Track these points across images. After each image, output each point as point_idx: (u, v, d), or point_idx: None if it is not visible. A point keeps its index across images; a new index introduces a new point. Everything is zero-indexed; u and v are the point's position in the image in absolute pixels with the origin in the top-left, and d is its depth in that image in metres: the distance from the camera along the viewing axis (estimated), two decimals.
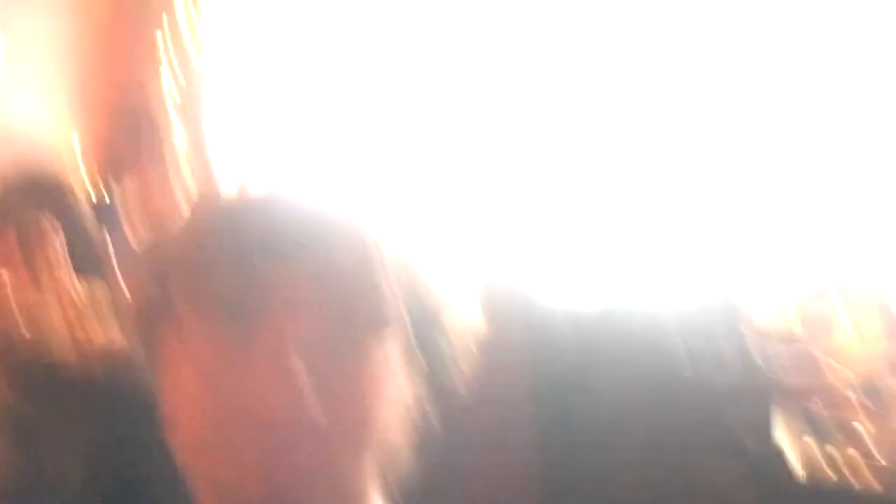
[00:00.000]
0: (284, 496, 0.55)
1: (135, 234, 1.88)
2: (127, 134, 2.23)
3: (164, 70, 2.40)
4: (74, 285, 1.47)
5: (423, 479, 0.65)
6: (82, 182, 2.12)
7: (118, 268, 1.50)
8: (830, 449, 1.68)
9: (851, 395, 1.72)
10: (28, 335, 1.41)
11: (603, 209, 2.22)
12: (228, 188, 0.64)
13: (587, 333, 2.01)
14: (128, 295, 1.25)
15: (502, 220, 2.03)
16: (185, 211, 0.63)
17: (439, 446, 0.65)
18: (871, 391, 1.79)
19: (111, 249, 1.52)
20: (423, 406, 0.65)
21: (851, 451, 1.66)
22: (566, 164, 2.17)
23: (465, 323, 0.67)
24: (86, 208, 1.60)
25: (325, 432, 0.55)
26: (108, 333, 1.44)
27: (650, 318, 1.93)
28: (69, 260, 1.46)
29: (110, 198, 2.12)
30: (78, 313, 1.46)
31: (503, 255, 1.98)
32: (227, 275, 0.55)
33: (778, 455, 1.70)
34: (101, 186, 2.22)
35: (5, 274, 1.44)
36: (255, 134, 2.45)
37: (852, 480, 1.60)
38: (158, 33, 2.43)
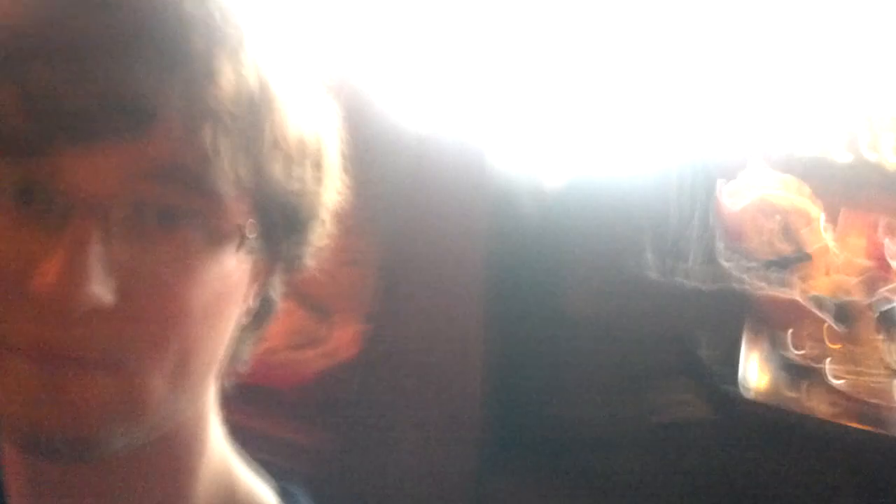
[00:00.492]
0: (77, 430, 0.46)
1: None
2: None
3: None
4: None
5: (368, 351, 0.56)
6: None
7: None
8: (797, 378, 1.62)
9: (824, 316, 1.67)
10: None
11: (570, 76, 2.11)
12: None
13: (549, 208, 1.91)
14: None
15: (459, 77, 1.92)
16: None
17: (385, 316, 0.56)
18: (844, 314, 1.73)
19: None
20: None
21: (817, 381, 1.60)
22: (525, 29, 2.05)
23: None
24: None
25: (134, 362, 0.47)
26: None
27: (618, 193, 1.81)
28: None
29: None
30: None
31: (457, 116, 1.88)
32: None
33: (740, 381, 1.64)
34: None
35: None
36: None
37: (815, 411, 1.55)
38: None
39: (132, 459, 0.51)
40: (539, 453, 1.78)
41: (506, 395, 1.81)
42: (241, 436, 0.60)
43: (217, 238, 0.48)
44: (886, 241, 2.21)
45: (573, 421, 1.75)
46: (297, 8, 0.59)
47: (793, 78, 2.01)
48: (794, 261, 2.21)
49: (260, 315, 0.58)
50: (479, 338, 1.71)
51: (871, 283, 1.96)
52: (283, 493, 0.62)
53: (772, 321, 1.74)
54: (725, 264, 1.97)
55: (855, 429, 1.35)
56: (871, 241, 2.41)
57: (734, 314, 1.72)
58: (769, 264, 2.22)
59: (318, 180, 0.55)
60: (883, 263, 2.13)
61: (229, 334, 0.53)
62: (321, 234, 0.58)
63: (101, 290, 0.44)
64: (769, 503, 1.57)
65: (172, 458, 0.55)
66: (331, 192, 0.56)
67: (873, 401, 1.41)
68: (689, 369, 1.90)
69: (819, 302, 1.79)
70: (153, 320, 0.47)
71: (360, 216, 0.63)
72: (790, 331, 1.72)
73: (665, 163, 1.83)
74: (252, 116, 0.48)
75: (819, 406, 1.50)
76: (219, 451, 0.59)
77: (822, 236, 2.26)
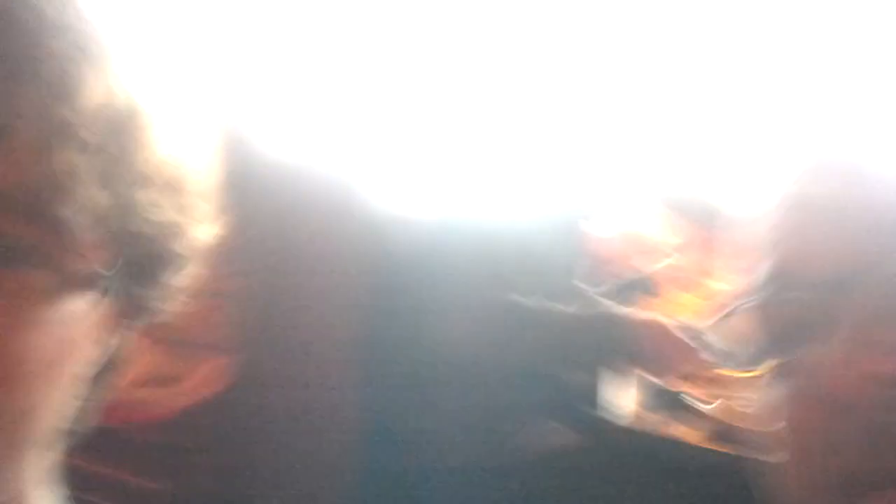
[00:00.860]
0: None
1: None
2: None
3: None
4: None
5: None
6: None
7: None
8: (666, 403, 1.66)
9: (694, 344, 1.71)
10: None
11: (444, 111, 2.10)
12: None
13: (421, 243, 1.90)
14: None
15: (332, 108, 1.89)
16: None
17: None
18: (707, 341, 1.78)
19: None
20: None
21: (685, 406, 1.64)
22: (401, 63, 2.05)
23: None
24: None
25: None
26: None
27: (489, 232, 1.82)
28: None
29: None
30: None
31: (331, 148, 1.85)
32: None
33: (611, 408, 1.66)
34: None
35: None
36: None
37: (685, 435, 1.58)
38: None
39: None
40: (413, 495, 1.73)
41: (377, 437, 1.76)
42: (86, 482, 0.52)
43: (65, 279, 0.41)
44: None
45: (444, 460, 1.72)
46: (172, 28, 0.54)
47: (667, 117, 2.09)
48: (639, 284, 2.30)
49: (114, 362, 0.50)
50: (353, 377, 1.67)
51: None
52: None
53: (641, 347, 1.77)
54: (591, 290, 2.01)
55: (723, 452, 1.38)
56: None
57: (604, 341, 1.75)
58: (622, 287, 2.29)
59: (186, 213, 0.48)
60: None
61: (74, 390, 0.45)
62: (186, 273, 0.51)
63: None
64: None
65: None
66: (199, 227, 0.50)
67: (742, 425, 1.45)
68: (560, 399, 1.91)
69: (691, 331, 1.85)
70: None
71: (228, 248, 0.57)
72: (658, 356, 1.76)
73: (536, 198, 1.85)
74: (116, 138, 0.42)
75: (689, 430, 1.53)
76: None
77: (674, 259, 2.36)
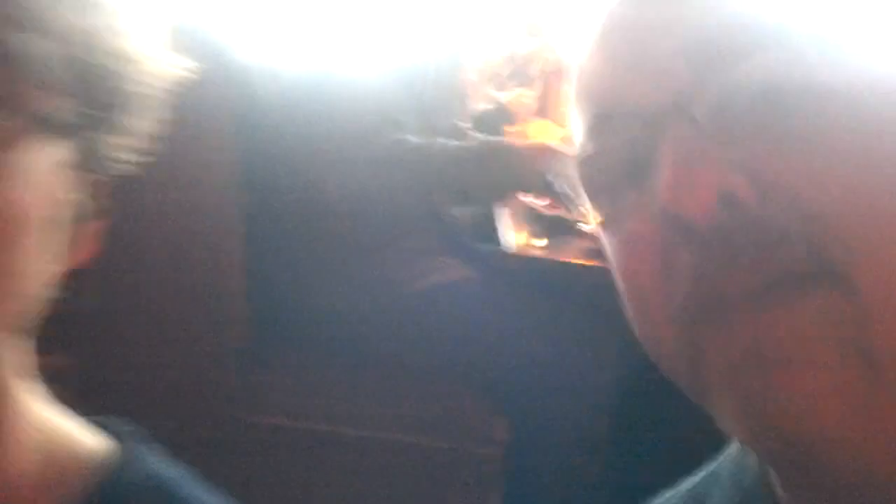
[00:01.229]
0: None
1: None
2: None
3: None
4: None
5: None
6: None
7: None
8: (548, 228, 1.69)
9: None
10: None
11: None
12: None
13: (289, 93, 1.84)
14: None
15: None
16: None
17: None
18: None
19: None
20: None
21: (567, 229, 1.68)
22: None
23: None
24: None
25: None
26: None
27: (358, 80, 1.77)
28: None
29: None
30: None
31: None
32: None
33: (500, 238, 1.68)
34: None
35: None
36: None
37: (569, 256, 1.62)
38: None
39: None
40: (299, 338, 1.75)
41: (263, 283, 1.74)
42: None
43: (29, 121, 0.38)
44: None
45: (331, 301, 1.73)
46: None
47: None
48: (499, 114, 2.32)
49: (79, 219, 0.46)
50: (235, 230, 1.62)
51: None
52: (118, 433, 0.52)
53: (526, 171, 1.79)
54: (468, 125, 2.01)
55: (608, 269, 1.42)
56: None
57: (490, 170, 1.75)
58: (485, 117, 2.30)
59: (145, 45, 0.45)
60: None
61: (48, 251, 0.42)
62: (142, 123, 0.47)
63: None
64: (530, 348, 1.65)
65: None
66: (158, 63, 0.46)
67: None
68: (447, 231, 1.94)
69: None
70: None
71: None
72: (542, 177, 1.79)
73: (408, 43, 1.79)
74: None
75: (573, 251, 1.58)
76: (28, 399, 0.47)
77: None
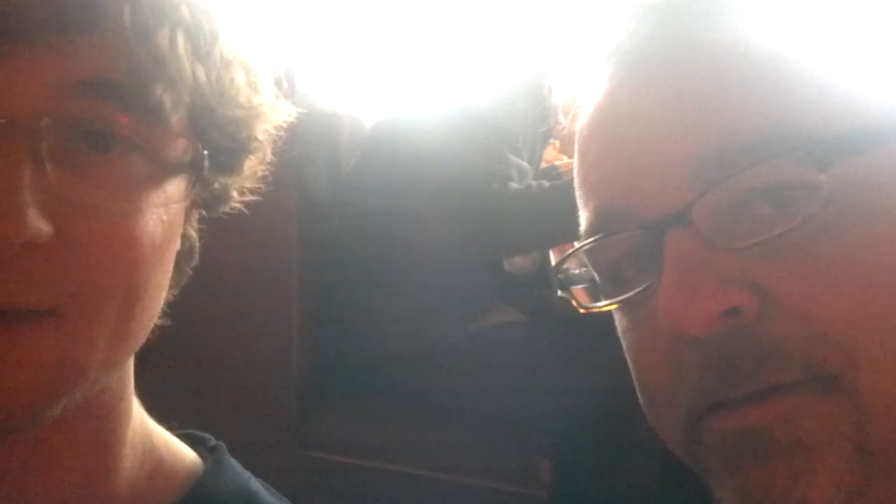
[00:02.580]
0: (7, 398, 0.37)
1: None
2: None
3: None
4: None
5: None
6: None
7: None
8: None
9: None
10: None
11: None
12: None
13: (372, 142, 1.85)
14: None
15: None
16: None
17: None
18: None
19: None
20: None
21: None
22: None
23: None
24: None
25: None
26: None
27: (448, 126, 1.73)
28: None
29: None
30: None
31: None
32: None
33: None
34: None
35: None
36: None
37: None
38: None
39: (54, 429, 0.42)
40: (358, 376, 1.78)
41: (323, 322, 1.78)
42: None
43: (161, 165, 0.40)
44: None
45: (387, 341, 1.76)
46: None
47: None
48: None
49: (189, 253, 0.50)
50: (297, 269, 1.67)
51: None
52: (205, 447, 0.56)
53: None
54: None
55: None
56: None
57: (544, 215, 1.75)
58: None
59: (263, 97, 0.48)
60: None
61: (168, 280, 0.45)
62: (254, 165, 0.51)
63: (36, 220, 0.34)
64: (588, 390, 1.66)
65: (99, 425, 0.46)
66: (272, 112, 0.49)
67: None
68: (502, 275, 1.95)
69: None
70: (97, 256, 0.38)
71: None
72: None
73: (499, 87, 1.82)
74: (208, 15, 0.41)
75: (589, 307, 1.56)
76: (138, 412, 0.51)
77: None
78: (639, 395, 0.48)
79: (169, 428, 0.56)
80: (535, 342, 1.74)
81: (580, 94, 0.51)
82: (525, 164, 1.76)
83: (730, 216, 0.41)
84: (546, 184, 1.72)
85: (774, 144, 0.40)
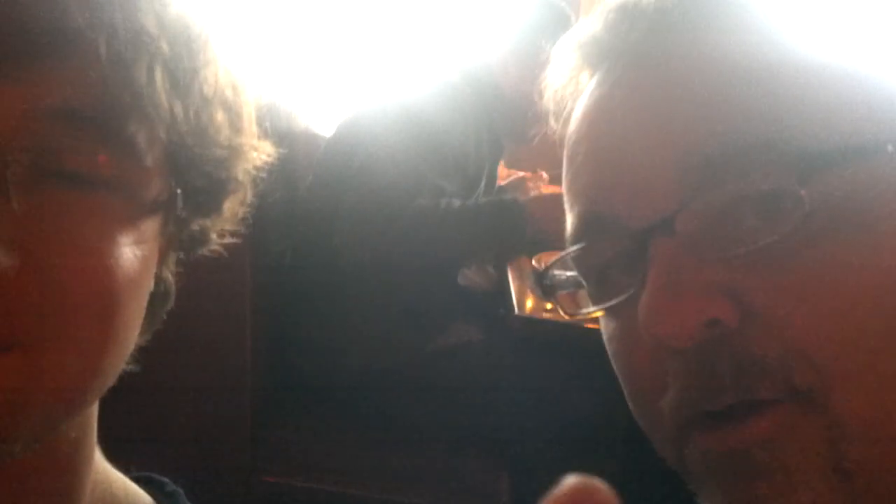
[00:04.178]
0: None
1: None
2: None
3: None
4: None
5: None
6: None
7: None
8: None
9: None
10: None
11: None
12: None
13: (323, 155, 1.86)
14: None
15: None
16: None
17: None
18: None
19: None
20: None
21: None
22: None
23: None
24: None
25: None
26: None
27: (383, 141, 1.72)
28: None
29: None
30: None
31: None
32: None
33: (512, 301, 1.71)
34: None
35: None
36: None
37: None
38: None
39: (10, 477, 0.40)
40: (314, 398, 1.77)
41: (278, 344, 1.77)
42: None
43: (137, 203, 0.39)
44: None
45: (343, 362, 1.75)
46: None
47: None
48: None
49: (157, 301, 0.48)
50: (251, 289, 1.65)
51: None
52: (162, 492, 0.54)
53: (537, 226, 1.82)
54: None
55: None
56: None
57: (501, 228, 1.77)
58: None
59: (244, 137, 0.46)
60: None
61: (141, 319, 0.43)
62: (234, 206, 0.49)
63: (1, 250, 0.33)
64: (546, 404, 1.66)
65: (57, 474, 0.44)
66: (253, 152, 0.48)
67: None
68: (459, 295, 1.96)
69: None
70: (66, 288, 0.36)
71: None
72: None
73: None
74: (188, 50, 0.40)
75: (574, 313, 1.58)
76: (99, 460, 0.50)
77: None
78: (627, 401, 0.48)
79: (126, 470, 0.54)
80: (493, 361, 1.74)
81: (570, 98, 0.51)
82: (448, 185, 1.77)
83: (714, 225, 0.41)
84: (456, 203, 1.72)
85: (759, 154, 0.40)
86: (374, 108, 1.80)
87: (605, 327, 0.48)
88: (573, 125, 0.49)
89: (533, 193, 2.19)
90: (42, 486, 0.44)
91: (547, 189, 2.28)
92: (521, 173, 2.41)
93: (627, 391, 0.47)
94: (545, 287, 0.51)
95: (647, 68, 0.45)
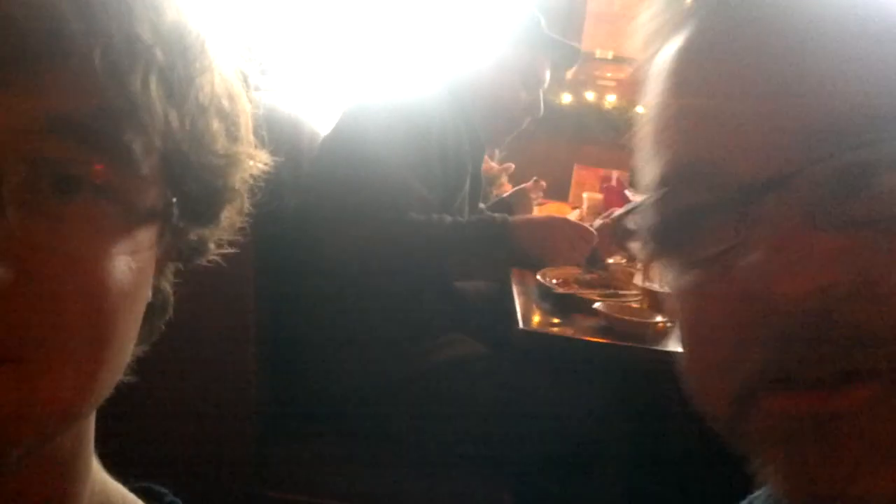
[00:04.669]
0: None
1: None
2: None
3: None
4: None
5: None
6: None
7: None
8: (560, 306, 1.72)
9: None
10: None
11: None
12: None
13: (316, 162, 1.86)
14: None
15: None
16: None
17: None
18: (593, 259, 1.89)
19: None
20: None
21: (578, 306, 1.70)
22: None
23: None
24: None
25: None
26: None
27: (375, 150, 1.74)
28: None
29: None
30: None
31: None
32: None
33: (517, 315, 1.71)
34: None
35: None
36: None
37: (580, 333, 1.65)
38: None
39: (5, 488, 0.40)
40: (317, 414, 1.77)
41: (280, 359, 1.77)
42: None
43: (130, 211, 0.39)
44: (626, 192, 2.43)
45: (345, 377, 1.75)
46: None
47: None
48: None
49: (161, 306, 0.48)
50: (252, 303, 1.65)
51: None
52: (159, 501, 0.54)
53: (540, 246, 1.83)
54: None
55: (616, 345, 1.45)
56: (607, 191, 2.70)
57: (489, 246, 1.80)
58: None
59: (240, 145, 0.46)
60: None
61: (136, 333, 0.42)
62: (232, 215, 0.49)
63: None
64: (548, 420, 1.66)
65: (54, 483, 0.44)
66: (249, 161, 0.47)
67: (631, 318, 1.52)
68: (464, 310, 1.96)
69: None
70: (62, 300, 0.36)
71: None
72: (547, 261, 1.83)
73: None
74: (184, 58, 0.39)
75: (582, 329, 1.60)
76: (97, 470, 0.49)
77: None
78: (684, 359, 0.46)
79: (125, 481, 0.54)
80: (494, 376, 1.74)
81: (654, 48, 0.49)
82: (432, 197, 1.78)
83: (838, 190, 0.39)
84: (448, 219, 1.73)
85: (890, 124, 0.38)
86: (359, 116, 1.82)
87: (676, 281, 0.46)
88: (662, 73, 0.47)
89: (534, 202, 2.29)
90: (38, 496, 0.44)
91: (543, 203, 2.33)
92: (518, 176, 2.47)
93: (689, 342, 0.45)
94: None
95: (761, 20, 0.43)
